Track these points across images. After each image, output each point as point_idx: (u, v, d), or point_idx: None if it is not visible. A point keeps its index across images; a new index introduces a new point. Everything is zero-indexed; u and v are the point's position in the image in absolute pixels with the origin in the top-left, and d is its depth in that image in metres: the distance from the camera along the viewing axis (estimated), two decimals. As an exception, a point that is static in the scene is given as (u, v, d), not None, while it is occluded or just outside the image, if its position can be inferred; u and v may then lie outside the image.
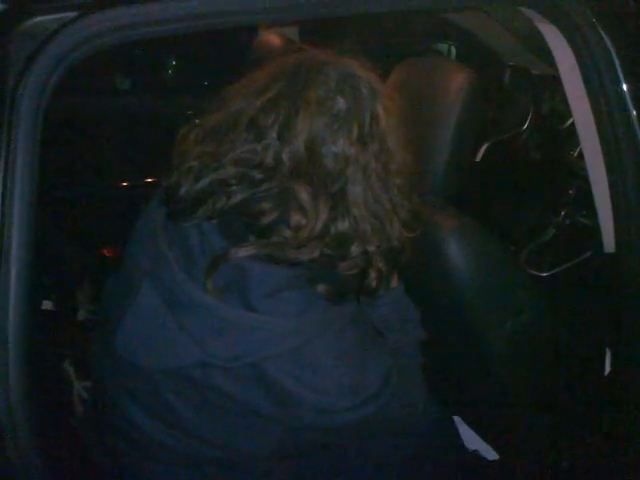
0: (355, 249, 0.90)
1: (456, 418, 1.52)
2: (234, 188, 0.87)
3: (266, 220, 0.86)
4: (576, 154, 1.92)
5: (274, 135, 0.87)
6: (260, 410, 0.89)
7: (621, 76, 1.02)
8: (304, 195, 0.86)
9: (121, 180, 2.42)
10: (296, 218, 0.86)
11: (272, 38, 2.01)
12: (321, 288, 0.88)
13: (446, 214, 1.17)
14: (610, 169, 1.04)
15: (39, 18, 0.70)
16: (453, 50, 2.77)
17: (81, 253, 2.10)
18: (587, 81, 1.05)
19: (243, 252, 0.85)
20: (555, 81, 2.04)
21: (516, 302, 1.19)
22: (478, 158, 2.00)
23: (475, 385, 1.35)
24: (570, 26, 1.02)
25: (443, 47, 2.88)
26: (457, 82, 1.12)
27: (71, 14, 0.70)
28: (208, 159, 0.90)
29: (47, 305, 1.65)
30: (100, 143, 2.30)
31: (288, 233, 0.86)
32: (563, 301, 1.74)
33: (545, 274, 1.89)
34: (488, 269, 1.16)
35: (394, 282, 1.06)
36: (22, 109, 0.69)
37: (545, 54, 2.22)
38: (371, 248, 0.91)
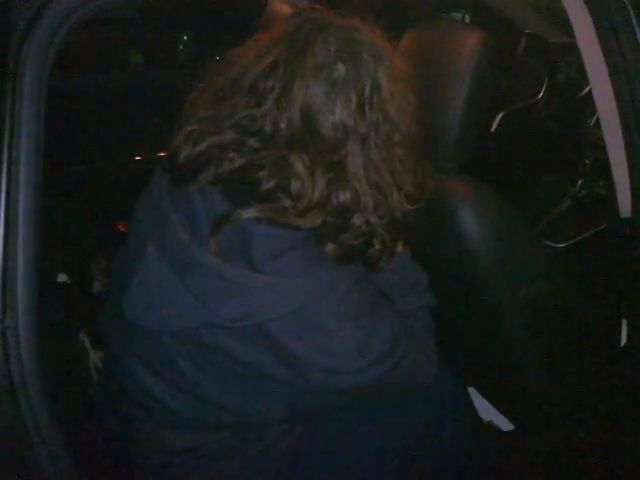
0: (357, 220, 0.88)
1: (471, 389, 1.51)
2: (232, 154, 0.87)
3: (264, 187, 0.85)
4: (592, 123, 1.88)
5: (272, 102, 0.86)
6: (268, 372, 0.89)
7: None
8: (299, 165, 0.85)
9: (134, 155, 2.42)
10: (296, 187, 0.85)
11: (281, 7, 1.97)
12: (330, 247, 0.88)
13: (459, 180, 1.15)
14: (627, 132, 1.02)
15: (38, -21, 0.69)
16: (467, 19, 2.72)
17: (95, 227, 2.11)
18: (604, 43, 1.02)
19: (247, 214, 0.84)
20: (571, 49, 2.00)
21: (530, 270, 1.18)
22: (492, 128, 1.97)
23: (489, 355, 1.34)
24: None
25: (457, 16, 2.82)
26: (470, 44, 1.09)
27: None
28: (208, 124, 0.89)
29: (62, 278, 1.66)
30: (112, 118, 2.29)
31: (288, 202, 0.85)
32: (579, 272, 1.72)
33: (561, 245, 1.87)
34: (502, 236, 1.14)
35: (400, 247, 1.05)
36: (26, 72, 0.68)
37: (560, 21, 2.18)
38: (373, 220, 0.90)
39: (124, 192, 1.95)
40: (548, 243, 1.88)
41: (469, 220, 1.10)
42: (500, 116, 1.95)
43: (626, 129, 1.02)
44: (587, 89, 1.87)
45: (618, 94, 1.03)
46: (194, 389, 0.93)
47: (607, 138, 1.09)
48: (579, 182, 1.95)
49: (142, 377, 0.96)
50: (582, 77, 1.95)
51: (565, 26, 2.23)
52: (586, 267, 1.78)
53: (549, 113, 2.08)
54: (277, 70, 0.86)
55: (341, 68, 0.85)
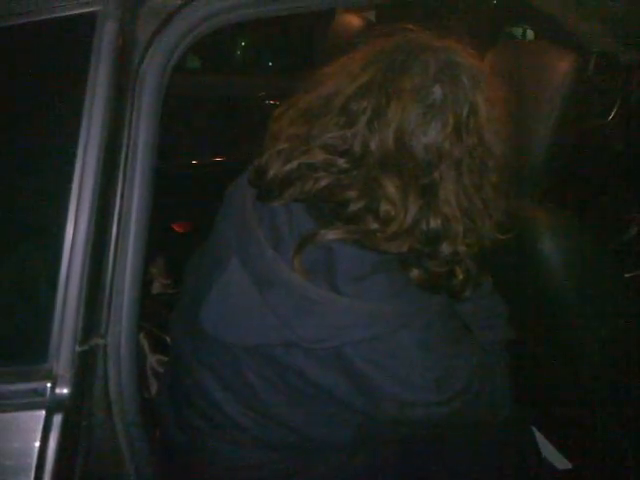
0: (445, 248, 0.85)
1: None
2: (321, 174, 0.85)
3: (352, 208, 0.83)
4: (667, 148, 1.81)
5: (364, 122, 0.84)
6: (340, 396, 0.87)
7: None
8: (391, 188, 0.82)
9: (191, 158, 2.43)
10: (385, 210, 0.82)
11: (351, 19, 1.95)
12: (415, 273, 0.85)
13: (542, 209, 1.10)
14: None
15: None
16: (529, 34, 2.65)
17: (152, 228, 2.13)
18: None
19: (332, 234, 0.83)
20: (646, 69, 1.93)
21: (614, 306, 1.12)
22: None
23: (558, 391, 1.28)
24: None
25: (517, 31, 2.76)
26: (562, 67, 1.05)
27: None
28: (298, 142, 0.88)
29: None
30: (169, 121, 2.31)
31: (375, 224, 0.83)
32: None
33: (627, 275, 1.80)
34: (585, 270, 1.08)
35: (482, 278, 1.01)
36: (146, 82, 0.70)
37: (635, 39, 2.10)
38: (461, 248, 0.86)
39: (180, 194, 1.97)
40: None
41: (552, 251, 1.05)
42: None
43: None
44: (662, 112, 1.81)
45: None
46: (263, 406, 0.92)
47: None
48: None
49: (211, 390, 0.95)
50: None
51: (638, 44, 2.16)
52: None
53: (619, 135, 2.01)
54: (372, 91, 0.84)
55: (439, 91, 0.83)
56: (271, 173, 0.88)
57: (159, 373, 1.33)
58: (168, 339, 1.32)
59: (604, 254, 1.13)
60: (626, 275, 1.79)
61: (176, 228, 2.14)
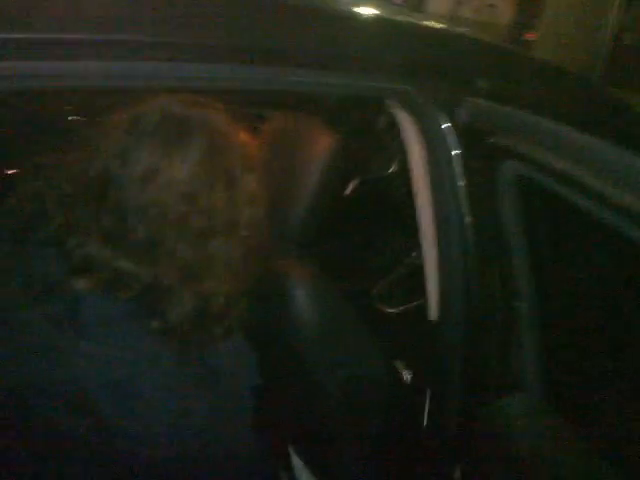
0: (185, 301, 0.92)
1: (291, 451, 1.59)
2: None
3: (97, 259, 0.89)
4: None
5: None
6: (87, 438, 0.90)
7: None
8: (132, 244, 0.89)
9: None
10: (127, 266, 0.90)
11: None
12: (155, 323, 0.92)
13: (299, 264, 1.24)
14: (440, 248, 1.17)
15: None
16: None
17: None
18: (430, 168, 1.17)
19: (80, 284, 0.88)
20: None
21: (349, 354, 1.30)
22: (347, 192, 2.12)
23: (307, 422, 1.44)
24: (418, 112, 1.13)
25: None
26: (320, 149, 1.20)
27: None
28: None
29: None
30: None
31: (115, 274, 0.89)
32: (404, 340, 1.87)
33: (391, 310, 2.04)
34: (327, 320, 1.25)
35: (229, 331, 1.07)
36: None
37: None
38: (199, 302, 0.94)
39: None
40: (381, 307, 2.05)
41: (302, 302, 1.20)
42: (353, 183, 2.11)
43: (440, 244, 1.18)
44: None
45: (434, 199, 1.19)
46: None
47: (424, 246, 1.24)
48: (414, 253, 2.12)
49: None
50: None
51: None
52: (410, 335, 1.95)
53: (395, 188, 2.26)
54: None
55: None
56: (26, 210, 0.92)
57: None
58: None
59: (344, 306, 1.30)
60: (390, 310, 2.04)
61: None
